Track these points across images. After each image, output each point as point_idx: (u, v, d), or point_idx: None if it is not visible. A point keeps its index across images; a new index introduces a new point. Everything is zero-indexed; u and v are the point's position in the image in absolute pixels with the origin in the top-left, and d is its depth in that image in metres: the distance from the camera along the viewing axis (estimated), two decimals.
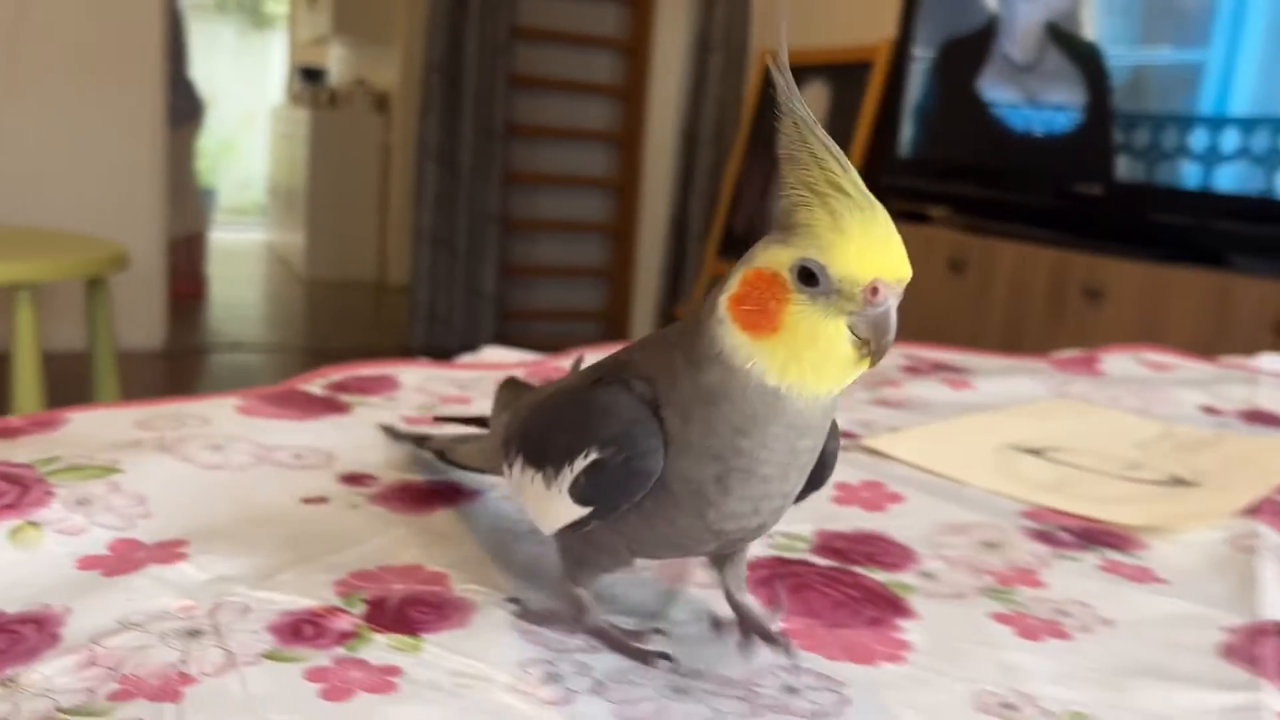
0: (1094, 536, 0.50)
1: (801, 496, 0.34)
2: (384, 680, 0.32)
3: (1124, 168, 1.97)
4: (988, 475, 0.57)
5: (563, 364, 0.73)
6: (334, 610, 0.36)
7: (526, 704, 0.31)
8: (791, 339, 0.30)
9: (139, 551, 0.39)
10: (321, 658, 0.33)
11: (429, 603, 0.37)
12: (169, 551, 0.39)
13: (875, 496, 0.52)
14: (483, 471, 0.46)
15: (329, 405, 0.59)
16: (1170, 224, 1.87)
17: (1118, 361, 0.90)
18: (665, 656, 0.34)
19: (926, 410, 0.71)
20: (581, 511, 0.33)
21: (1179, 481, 0.59)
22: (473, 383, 0.67)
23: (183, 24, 3.75)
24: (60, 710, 0.29)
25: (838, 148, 0.31)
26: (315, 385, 0.62)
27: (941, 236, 2.19)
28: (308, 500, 0.46)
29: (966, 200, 2.32)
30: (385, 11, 4.69)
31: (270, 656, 0.33)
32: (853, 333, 0.29)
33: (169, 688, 0.31)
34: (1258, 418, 0.77)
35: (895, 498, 0.52)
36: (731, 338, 0.30)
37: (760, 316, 0.30)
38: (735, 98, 3.40)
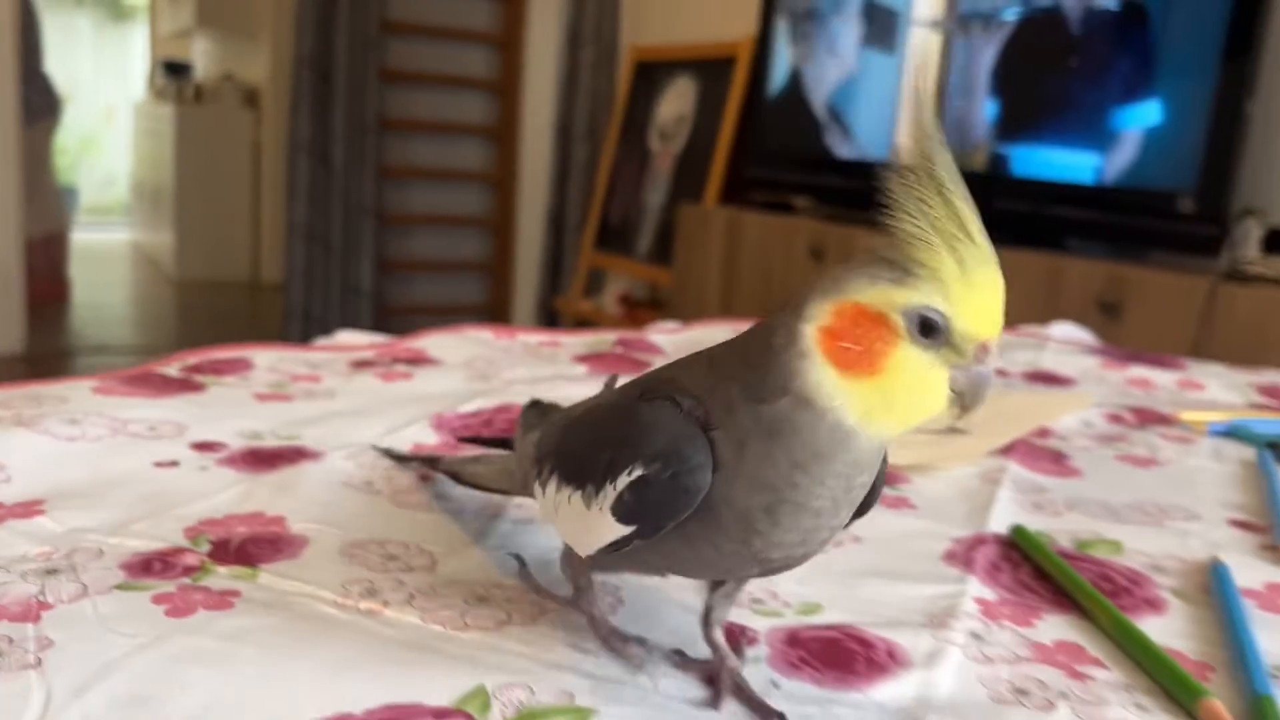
0: None
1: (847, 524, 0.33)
2: (223, 600, 0.37)
3: (970, 158, 2.11)
4: None
5: (413, 344, 0.79)
6: (181, 550, 0.41)
7: (346, 614, 0.37)
8: (891, 385, 0.28)
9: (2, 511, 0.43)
10: (168, 586, 0.38)
11: (267, 540, 0.43)
12: (27, 509, 0.44)
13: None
14: (504, 493, 0.44)
15: (184, 385, 0.63)
16: (1011, 210, 2.02)
17: None
18: (641, 665, 0.34)
19: None
20: (624, 530, 0.30)
21: (953, 430, 0.68)
22: (325, 363, 0.72)
23: (35, 16, 3.61)
24: None
25: (968, 193, 0.30)
26: (171, 368, 0.66)
27: (803, 226, 2.31)
28: (159, 464, 0.50)
29: (826, 190, 2.44)
30: (251, 5, 4.60)
31: (121, 588, 0.38)
32: (951, 387, 0.29)
33: (29, 613, 0.35)
34: (1039, 377, 0.87)
35: None
36: (817, 373, 0.29)
37: (861, 357, 0.28)
38: (607, 92, 3.47)
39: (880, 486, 0.33)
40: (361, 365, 0.71)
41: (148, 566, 0.40)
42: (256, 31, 4.64)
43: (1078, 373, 0.88)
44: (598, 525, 0.31)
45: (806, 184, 2.49)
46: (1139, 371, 0.90)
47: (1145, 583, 0.46)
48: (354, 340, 0.78)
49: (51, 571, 0.38)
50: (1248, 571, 0.48)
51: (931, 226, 0.28)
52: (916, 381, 0.28)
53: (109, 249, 5.52)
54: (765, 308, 2.40)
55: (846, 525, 0.32)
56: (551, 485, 0.34)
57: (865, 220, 2.25)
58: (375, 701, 0.32)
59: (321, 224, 3.75)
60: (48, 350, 3.37)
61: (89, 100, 6.40)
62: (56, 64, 3.84)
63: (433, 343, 0.79)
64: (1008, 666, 0.37)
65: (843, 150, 2.37)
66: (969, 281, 0.28)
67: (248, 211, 4.84)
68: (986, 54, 2.05)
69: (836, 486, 0.29)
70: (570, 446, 0.34)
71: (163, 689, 0.32)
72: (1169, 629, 0.41)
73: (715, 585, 0.35)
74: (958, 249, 0.28)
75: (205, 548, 0.42)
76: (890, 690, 0.35)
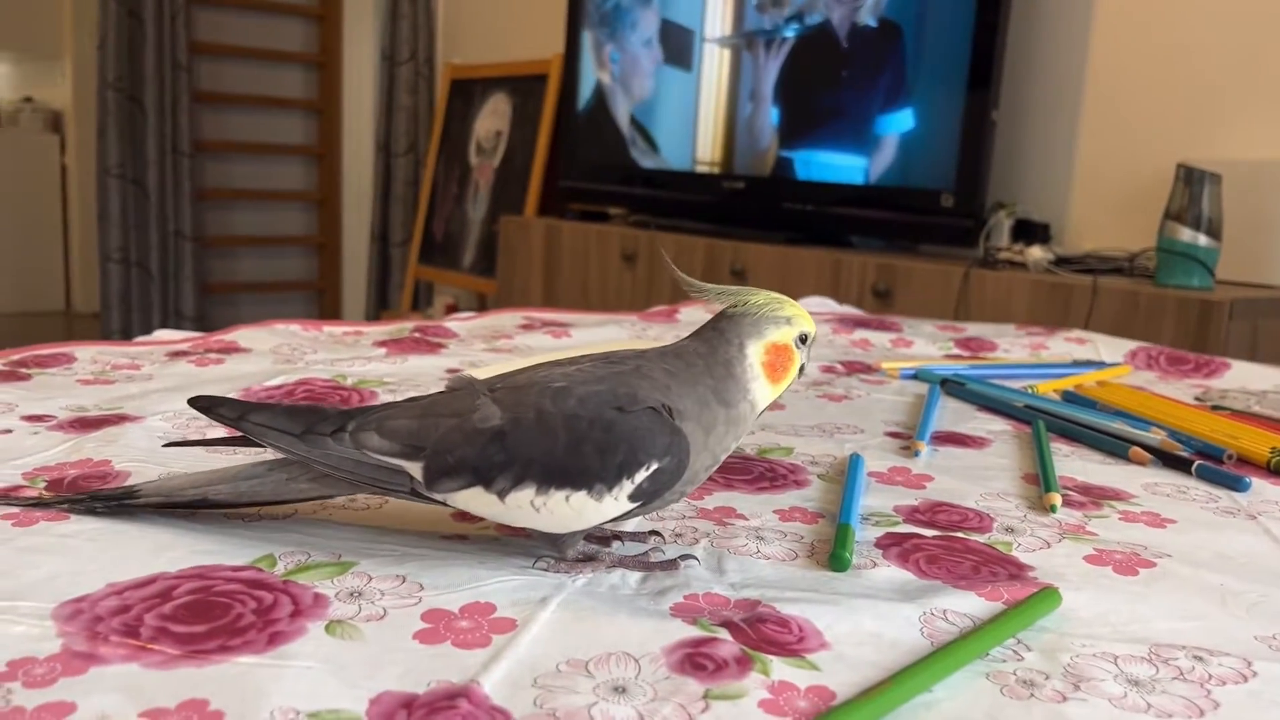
0: None
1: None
2: (61, 516, 0.47)
3: (762, 163, 2.31)
4: None
5: (225, 337, 0.88)
6: (20, 487, 0.50)
7: (164, 518, 0.48)
8: (787, 378, 0.47)
9: None
10: (11, 509, 0.47)
11: (95, 476, 0.52)
12: None
13: None
14: (330, 496, 0.48)
15: (10, 375, 0.71)
16: (798, 210, 2.23)
17: (693, 312, 1.15)
18: (689, 556, 0.46)
19: (527, 352, 0.91)
20: (631, 506, 0.43)
21: None
22: (143, 355, 0.80)
23: None
24: None
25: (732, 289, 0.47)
26: (1, 362, 0.74)
27: (615, 233, 2.46)
28: None
29: (635, 199, 2.61)
30: (49, 26, 4.44)
31: None
32: (802, 364, 0.48)
33: None
34: None
35: None
36: (761, 386, 0.46)
37: (781, 371, 0.46)
38: (426, 109, 3.55)
39: None
40: (177, 355, 0.80)
41: (26, 505, 0.49)
42: (58, 53, 4.49)
43: None
44: (607, 511, 0.43)
45: (617, 194, 2.65)
46: (863, 334, 1.07)
47: (800, 471, 0.61)
48: (171, 336, 0.86)
49: None
50: (882, 462, 0.63)
51: (759, 309, 0.46)
52: (795, 371, 0.47)
53: None
54: (583, 308, 2.54)
55: None
56: (526, 491, 0.42)
57: (670, 226, 2.42)
58: (186, 565, 0.42)
59: (139, 249, 3.68)
60: None
61: None
62: None
63: (244, 335, 0.88)
64: (675, 521, 0.51)
65: (647, 162, 2.53)
66: (798, 314, 0.47)
67: (57, 239, 4.66)
68: (772, 68, 2.25)
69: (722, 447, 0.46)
70: (543, 457, 0.42)
71: (15, 568, 0.41)
72: (803, 497, 0.56)
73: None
74: (780, 308, 0.46)
75: (41, 484, 0.51)
76: None
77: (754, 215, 2.31)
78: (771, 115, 2.26)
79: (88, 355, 0.78)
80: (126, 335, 3.60)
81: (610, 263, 2.46)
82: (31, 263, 4.57)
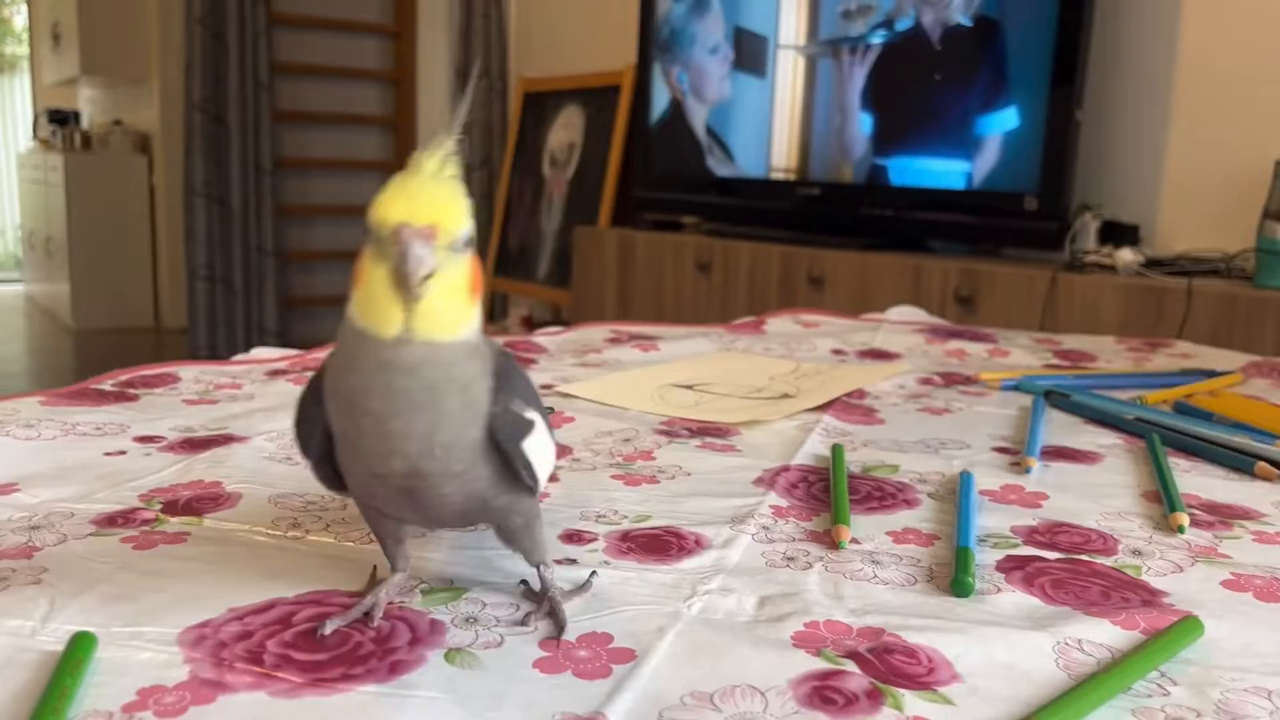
0: (703, 430, 0.70)
1: (509, 466, 0.39)
2: (177, 538, 0.48)
3: (838, 170, 2.28)
4: (645, 403, 0.77)
5: (319, 355, 0.89)
6: (137, 509, 0.51)
7: (276, 541, 0.48)
8: (363, 287, 0.35)
9: None
10: (132, 532, 0.48)
11: (208, 498, 0.53)
12: (4, 489, 0.53)
13: (555, 420, 0.71)
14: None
15: (119, 396, 0.73)
16: (876, 216, 2.20)
17: (779, 323, 1.13)
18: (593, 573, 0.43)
19: (618, 367, 0.90)
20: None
21: (785, 396, 0.81)
22: (243, 374, 0.81)
23: None
24: None
25: (448, 145, 0.36)
26: (106, 384, 0.76)
27: (690, 241, 2.45)
28: (109, 454, 0.60)
29: (709, 208, 2.60)
30: (137, 51, 4.59)
31: (94, 535, 0.48)
32: (392, 277, 0.33)
33: (23, 552, 0.45)
34: (870, 354, 1.01)
35: (569, 419, 0.72)
36: (351, 294, 0.36)
37: (355, 275, 0.35)
38: (500, 122, 3.58)
39: (499, 420, 0.37)
40: (276, 374, 0.81)
41: (112, 520, 0.50)
42: (144, 77, 4.63)
43: (904, 349, 1.03)
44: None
45: (691, 203, 2.64)
46: (957, 344, 1.04)
47: (909, 490, 0.59)
48: (268, 354, 0.88)
49: (34, 527, 0.48)
50: (993, 479, 0.61)
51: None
52: (369, 276, 0.34)
53: (1, 303, 5.41)
54: (658, 317, 2.53)
55: (509, 468, 0.39)
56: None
57: (747, 234, 2.41)
58: (303, 590, 0.43)
59: (222, 265, 3.77)
60: None
61: None
62: None
63: None
64: (784, 544, 0.50)
65: (722, 170, 2.52)
66: (384, 190, 0.34)
67: (145, 256, 4.80)
68: (858, 74, 2.22)
69: (380, 386, 0.35)
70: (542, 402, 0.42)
71: (138, 591, 0.42)
72: (916, 517, 0.55)
73: (502, 537, 0.43)
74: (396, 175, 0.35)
75: (157, 506, 0.52)
76: (693, 563, 0.47)
77: (831, 222, 2.28)
78: (860, 122, 2.23)
79: (191, 375, 0.79)
80: (213, 349, 3.70)
81: (685, 272, 2.46)
82: (122, 280, 4.72)
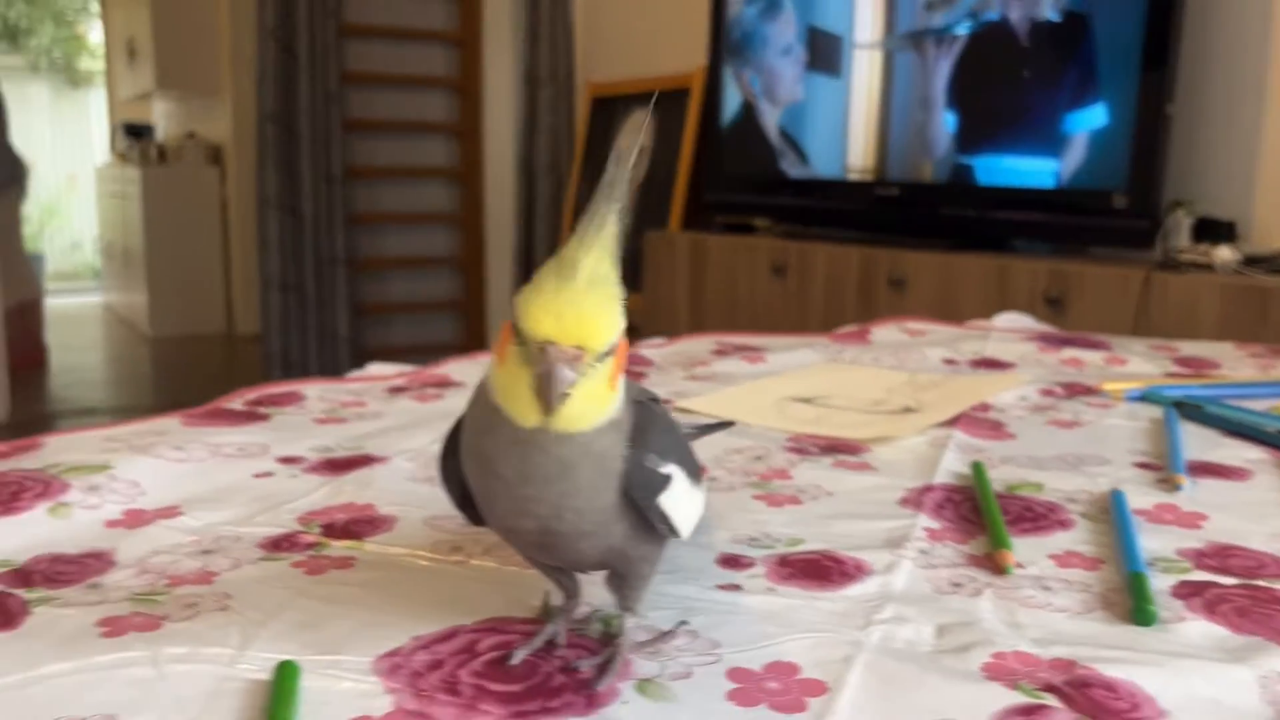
0: (834, 447, 0.70)
1: (644, 526, 0.38)
2: (345, 563, 0.48)
3: (918, 169, 2.26)
4: (766, 418, 0.77)
5: (436, 371, 0.90)
6: (299, 533, 0.52)
7: (439, 565, 0.48)
8: (505, 373, 0.35)
9: (146, 514, 0.54)
10: (300, 557, 0.49)
11: (364, 520, 0.54)
12: (168, 512, 0.54)
13: None
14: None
15: (251, 416, 0.74)
16: (958, 216, 2.17)
17: (884, 332, 1.12)
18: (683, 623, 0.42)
19: (728, 380, 0.90)
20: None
21: (908, 410, 0.80)
22: (365, 391, 0.83)
23: None
24: (135, 595, 0.44)
25: (606, 227, 0.35)
26: (236, 403, 0.77)
27: (764, 245, 2.44)
28: (258, 475, 0.61)
29: (783, 210, 2.58)
30: (210, 65, 4.70)
31: (264, 560, 0.49)
32: (534, 382, 0.34)
33: (202, 578, 0.46)
34: (983, 363, 0.99)
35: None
36: (491, 365, 0.36)
37: (499, 351, 0.35)
38: (567, 128, 3.60)
39: (637, 485, 0.37)
40: (397, 391, 0.82)
41: (278, 544, 0.51)
42: (217, 90, 4.74)
43: (1017, 358, 1.01)
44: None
45: (764, 205, 2.63)
46: (1071, 353, 1.02)
47: (1059, 510, 0.58)
48: (384, 371, 0.89)
49: (206, 552, 0.49)
50: (1143, 498, 0.60)
51: (559, 256, 0.35)
52: (513, 373, 0.34)
53: (81, 313, 5.57)
54: (731, 322, 2.53)
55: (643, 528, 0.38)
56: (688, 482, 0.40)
57: (822, 236, 2.39)
58: (479, 617, 0.43)
59: (295, 274, 3.84)
60: (31, 417, 3.41)
61: (50, 167, 6.45)
62: (16, 133, 3.91)
63: (455, 368, 0.90)
64: (948, 570, 0.49)
65: (795, 171, 2.50)
66: (533, 292, 0.34)
67: (218, 265, 4.91)
68: (941, 71, 2.18)
69: (511, 459, 0.35)
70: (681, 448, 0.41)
71: (322, 619, 0.43)
72: (1074, 539, 0.53)
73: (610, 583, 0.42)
74: (545, 268, 0.34)
75: (317, 530, 0.53)
76: (858, 589, 0.47)
77: (911, 223, 2.25)
78: (942, 119, 2.20)
79: (315, 393, 0.80)
80: (286, 357, 3.77)
81: (759, 276, 2.44)
82: (197, 289, 4.83)
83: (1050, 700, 0.37)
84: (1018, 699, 0.37)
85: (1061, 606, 0.45)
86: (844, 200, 2.41)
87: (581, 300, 0.33)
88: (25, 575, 0.46)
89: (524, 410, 0.35)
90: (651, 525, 0.39)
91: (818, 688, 0.38)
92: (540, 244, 3.70)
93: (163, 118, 5.49)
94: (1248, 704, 0.37)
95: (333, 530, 0.53)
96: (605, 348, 0.34)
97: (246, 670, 0.38)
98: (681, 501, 0.40)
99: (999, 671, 0.39)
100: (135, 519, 0.54)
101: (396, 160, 4.08)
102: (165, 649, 0.40)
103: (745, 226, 2.67)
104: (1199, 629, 0.43)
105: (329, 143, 3.81)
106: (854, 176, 2.39)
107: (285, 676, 0.37)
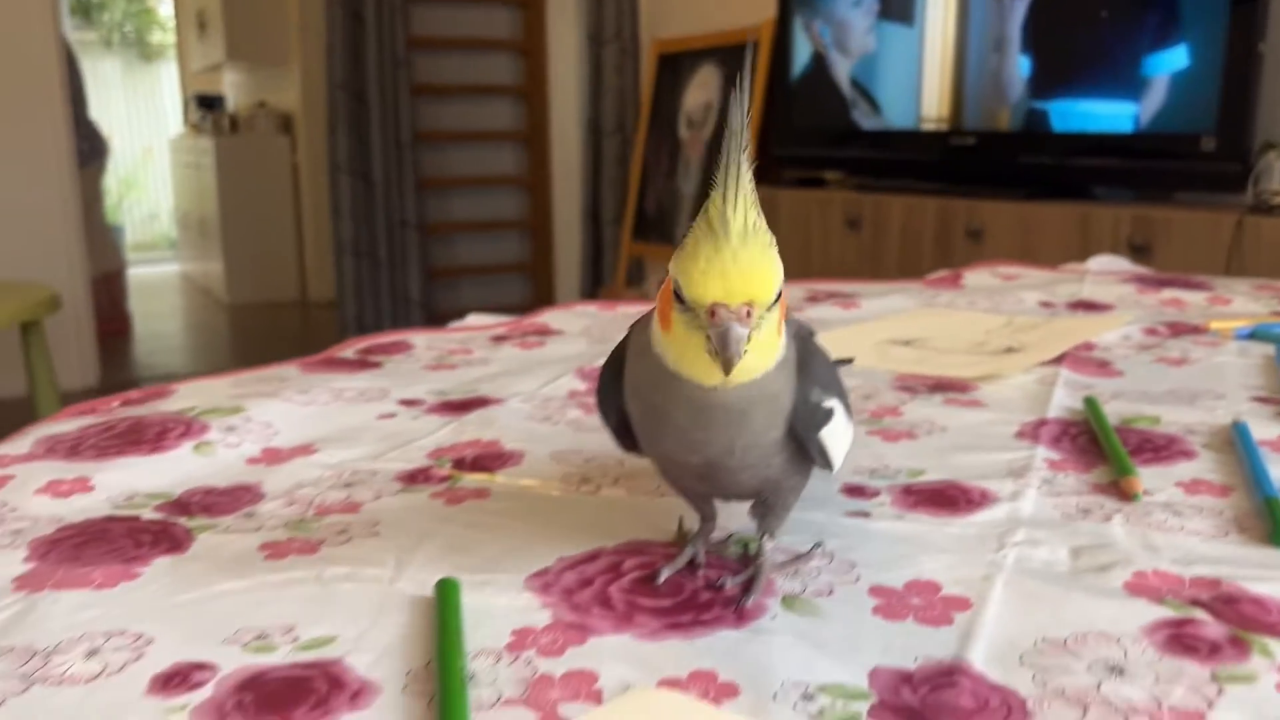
0: (942, 386, 0.70)
1: (804, 451, 0.39)
2: (480, 494, 0.50)
3: (994, 117, 2.21)
4: (869, 360, 0.77)
5: (535, 320, 0.91)
6: (431, 468, 0.54)
7: (571, 496, 0.50)
8: (675, 339, 0.35)
9: (283, 452, 0.56)
10: (437, 488, 0.51)
11: (492, 456, 0.55)
12: (304, 450, 0.57)
13: None
14: None
15: (364, 365, 0.76)
16: (1036, 164, 2.12)
17: (977, 276, 1.11)
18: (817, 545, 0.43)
19: (823, 325, 0.90)
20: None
21: (1010, 350, 0.80)
22: (470, 340, 0.84)
23: (77, 65, 3.78)
24: (289, 523, 0.46)
25: (743, 177, 0.34)
26: (349, 352, 0.79)
27: (837, 198, 2.41)
28: (381, 416, 0.63)
29: (857, 162, 2.55)
30: (279, 34, 4.75)
31: (403, 491, 0.51)
32: (706, 346, 0.34)
33: (348, 507, 0.48)
34: (1080, 305, 0.98)
35: None
36: (655, 326, 0.36)
37: (663, 317, 0.35)
38: (633, 86, 3.58)
39: (805, 426, 0.38)
40: (500, 339, 0.84)
41: (413, 478, 0.52)
42: (285, 59, 4.80)
43: (1115, 299, 0.99)
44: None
45: (836, 158, 2.60)
46: (1171, 293, 1.00)
47: (1180, 441, 0.57)
48: (484, 321, 0.91)
49: (348, 485, 0.51)
50: (1265, 429, 0.59)
51: (706, 215, 0.34)
52: (684, 338, 0.35)
53: (160, 282, 5.72)
54: (805, 278, 2.51)
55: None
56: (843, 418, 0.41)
57: (896, 187, 2.36)
58: (618, 541, 0.44)
59: (367, 240, 3.90)
60: (119, 383, 3.52)
61: (126, 141, 6.60)
62: (92, 108, 4.01)
63: (552, 317, 0.91)
64: (1074, 497, 0.49)
65: (869, 122, 2.47)
66: (693, 256, 0.33)
67: (291, 233, 5.00)
68: (1016, 13, 2.13)
69: (688, 413, 0.36)
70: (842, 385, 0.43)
71: (469, 543, 0.44)
72: (1199, 468, 0.53)
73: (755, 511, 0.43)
74: (697, 229, 0.34)
75: (448, 465, 0.54)
76: (986, 515, 0.47)
77: (987, 172, 2.21)
78: (1018, 63, 2.15)
79: (422, 342, 0.82)
80: (360, 321, 3.84)
81: (833, 229, 2.42)
82: (271, 257, 4.93)
83: (1199, 614, 0.37)
84: (1165, 613, 0.37)
85: (1195, 530, 0.45)
86: (918, 151, 2.38)
87: (741, 256, 0.33)
88: (183, 505, 0.49)
89: (702, 372, 0.35)
90: (807, 456, 0.40)
91: (962, 603, 0.38)
92: (607, 204, 3.71)
93: (233, 88, 5.58)
94: None
95: (463, 465, 0.54)
96: (772, 298, 0.34)
97: (406, 588, 0.40)
98: (839, 435, 0.41)
99: (1142, 589, 0.39)
100: (274, 456, 0.56)
101: (463, 124, 4.10)
102: (327, 570, 0.42)
103: (816, 181, 2.64)
104: None
105: (397, 108, 3.84)
106: (928, 126, 2.35)
107: (447, 592, 0.38)
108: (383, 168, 3.86)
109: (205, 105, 5.38)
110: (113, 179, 6.06)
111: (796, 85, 2.64)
